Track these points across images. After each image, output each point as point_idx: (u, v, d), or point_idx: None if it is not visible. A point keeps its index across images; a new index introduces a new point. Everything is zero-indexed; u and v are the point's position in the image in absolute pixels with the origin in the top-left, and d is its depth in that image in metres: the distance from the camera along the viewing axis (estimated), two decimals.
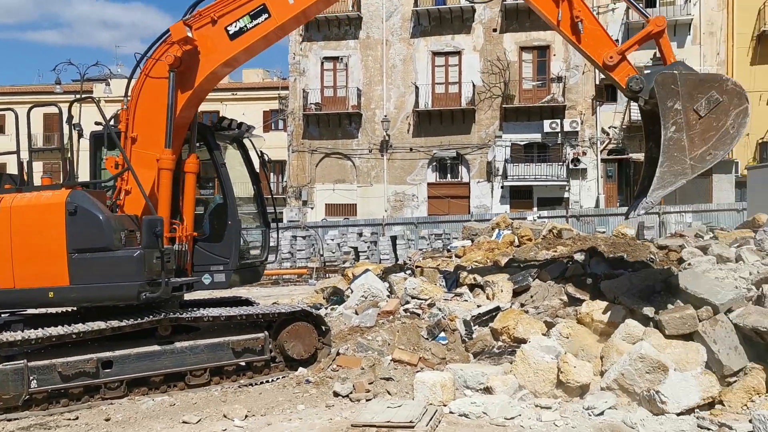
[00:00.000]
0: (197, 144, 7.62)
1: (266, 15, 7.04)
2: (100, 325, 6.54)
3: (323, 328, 7.63)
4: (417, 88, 31.92)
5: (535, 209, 29.51)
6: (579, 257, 8.90)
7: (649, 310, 7.01)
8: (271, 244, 8.64)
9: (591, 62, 7.45)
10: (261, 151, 8.40)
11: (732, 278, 7.61)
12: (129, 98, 7.21)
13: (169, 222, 7.05)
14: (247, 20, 7.03)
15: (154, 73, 7.05)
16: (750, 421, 5.23)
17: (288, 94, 34.12)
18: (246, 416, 6.04)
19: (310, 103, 32.81)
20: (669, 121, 6.44)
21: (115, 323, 6.59)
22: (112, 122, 7.46)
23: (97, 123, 7.40)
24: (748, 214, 15.33)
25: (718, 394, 5.99)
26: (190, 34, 6.89)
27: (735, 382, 6.12)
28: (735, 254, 8.52)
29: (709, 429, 5.40)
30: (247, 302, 8.38)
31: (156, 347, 6.82)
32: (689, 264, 8.32)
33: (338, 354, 7.37)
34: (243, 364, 7.25)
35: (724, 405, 5.95)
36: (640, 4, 29.83)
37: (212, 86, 7.63)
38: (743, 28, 29.31)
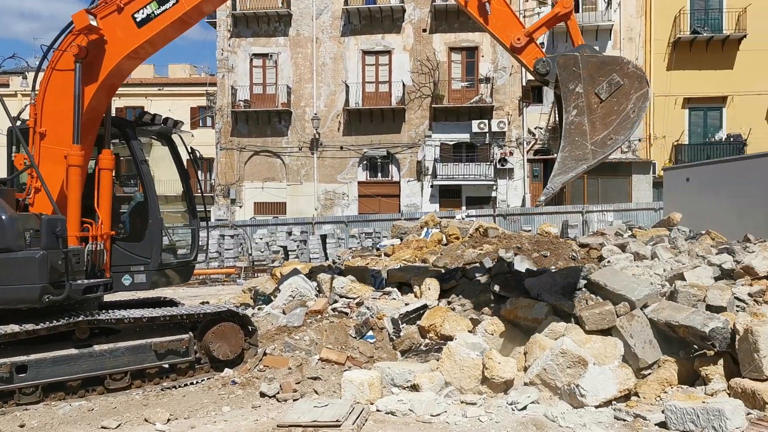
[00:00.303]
0: (119, 140, 7.39)
1: (174, 0, 6.87)
2: (14, 328, 6.24)
3: (250, 328, 7.52)
4: (347, 86, 31.88)
5: (463, 208, 29.94)
6: (504, 255, 9.07)
7: (570, 307, 7.23)
8: (201, 243, 8.43)
9: (500, 44, 7.18)
10: (191, 148, 8.15)
11: (648, 275, 7.93)
12: (37, 92, 6.90)
13: (78, 221, 6.76)
14: (154, 6, 6.83)
15: (61, 65, 6.75)
16: (662, 411, 5.45)
17: (216, 90, 33.50)
18: (168, 420, 5.89)
19: (239, 100, 32.31)
20: (570, 105, 6.24)
21: (30, 326, 6.30)
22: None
23: (15, 118, 7.07)
24: (664, 214, 15.99)
25: (634, 386, 6.22)
26: (94, 23, 6.65)
27: (649, 374, 6.38)
28: (651, 252, 8.87)
29: (624, 420, 5.59)
30: (172, 303, 8.18)
31: (73, 351, 6.56)
32: (608, 261, 8.61)
33: (265, 354, 7.28)
34: (166, 366, 7.07)
35: (639, 396, 6.19)
36: None
37: (123, 77, 7.34)
38: (660, 34, 30.53)
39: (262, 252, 24.52)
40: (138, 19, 6.80)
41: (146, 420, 5.86)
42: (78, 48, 6.60)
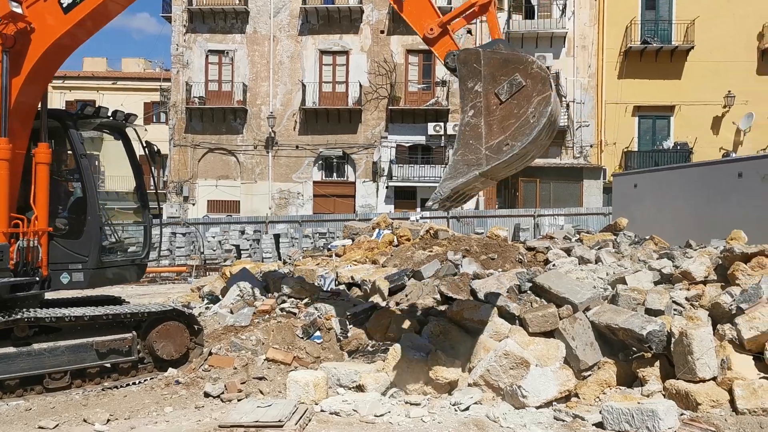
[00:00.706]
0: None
1: None
2: None
3: (195, 327, 7.44)
4: (304, 85, 31.77)
5: (418, 210, 30.10)
6: (453, 257, 9.17)
7: (515, 309, 7.34)
8: (153, 240, 8.23)
9: (417, 33, 6.60)
10: (147, 142, 7.92)
11: (591, 278, 8.11)
12: None
13: (6, 217, 6.57)
14: None
15: None
16: (600, 411, 5.59)
17: (170, 86, 33.01)
18: (108, 420, 5.79)
19: (194, 97, 31.90)
20: (468, 104, 5.61)
21: None
22: None
23: None
24: (613, 219, 16.33)
25: (574, 387, 6.35)
26: (19, 11, 6.47)
27: (590, 375, 6.51)
28: (595, 256, 9.07)
29: (564, 420, 5.71)
30: (117, 301, 8.03)
31: (12, 349, 6.40)
32: (554, 265, 8.77)
33: (210, 354, 7.22)
34: (108, 365, 6.95)
35: (579, 397, 6.31)
36: (519, 15, 31.23)
37: (53, 67, 7.04)
38: (612, 43, 31.23)
39: (214, 251, 24.24)
40: (64, 5, 6.60)
41: (85, 420, 5.75)
42: (4, 37, 6.42)
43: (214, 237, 24.92)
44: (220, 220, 27.71)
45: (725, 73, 30.17)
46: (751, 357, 5.98)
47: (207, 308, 9.29)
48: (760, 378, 5.75)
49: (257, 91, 32.24)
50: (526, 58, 5.48)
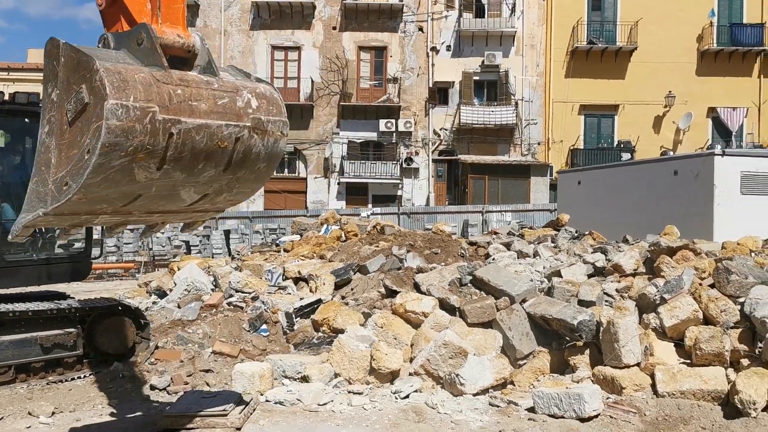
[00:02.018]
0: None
1: None
2: None
3: (141, 321, 7.50)
4: None
5: (369, 206, 30.36)
6: (397, 252, 9.41)
7: (456, 301, 7.62)
8: (95, 236, 8.14)
9: None
10: None
11: (529, 272, 8.44)
12: None
13: None
14: None
15: None
16: (532, 397, 5.89)
17: None
18: (53, 413, 5.85)
19: None
20: (45, 116, 3.91)
21: None
22: None
23: None
24: (557, 214, 16.82)
25: (510, 375, 6.66)
26: None
27: (525, 364, 6.83)
28: (533, 250, 9.42)
29: (498, 406, 6.00)
30: (62, 296, 8.01)
31: None
32: (493, 259, 9.09)
33: (157, 348, 7.31)
34: (52, 360, 6.96)
35: (514, 384, 6.62)
36: (470, 14, 31.68)
37: None
38: (559, 43, 31.98)
39: (163, 246, 24.05)
40: None
41: (30, 413, 5.79)
42: None
43: (162, 233, 24.65)
44: None
45: (666, 74, 31.22)
46: (673, 344, 6.37)
47: (154, 303, 9.34)
48: (679, 363, 6.14)
49: None
50: (93, 63, 3.53)
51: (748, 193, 11.96)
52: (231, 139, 3.86)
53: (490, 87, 32.40)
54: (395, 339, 7.36)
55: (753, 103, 31.68)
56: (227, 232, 24.60)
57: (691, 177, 12.62)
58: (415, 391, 6.39)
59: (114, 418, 5.75)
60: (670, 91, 31.26)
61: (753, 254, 7.96)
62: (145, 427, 5.43)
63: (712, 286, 6.71)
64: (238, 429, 5.26)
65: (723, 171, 11.94)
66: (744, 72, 31.81)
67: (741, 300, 6.35)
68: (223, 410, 5.34)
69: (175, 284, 9.43)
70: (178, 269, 10.20)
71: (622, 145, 31.15)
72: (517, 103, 31.69)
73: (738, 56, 31.63)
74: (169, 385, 6.61)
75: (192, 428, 5.19)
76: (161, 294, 9.76)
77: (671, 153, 28.80)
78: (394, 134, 31.73)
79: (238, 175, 4.06)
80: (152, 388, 6.60)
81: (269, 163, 4.20)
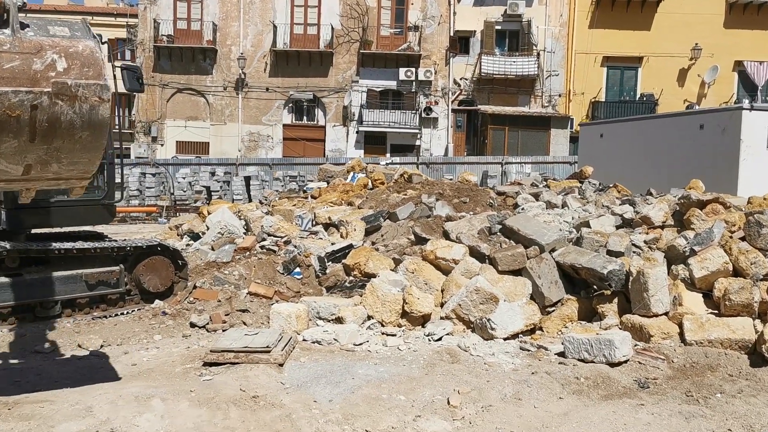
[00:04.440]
0: None
1: None
2: None
3: (180, 262, 7.72)
4: (275, 27, 31.36)
5: (388, 155, 30.36)
6: (426, 200, 9.53)
7: (486, 249, 7.76)
8: (118, 181, 7.84)
9: None
10: (125, 65, 7.02)
11: (557, 222, 8.55)
12: None
13: None
14: None
15: None
16: (562, 342, 6.07)
17: (137, 22, 32.29)
18: (102, 346, 6.12)
19: (162, 35, 31.30)
20: None
21: None
22: None
23: None
24: (579, 167, 16.81)
25: (539, 321, 6.84)
26: None
27: (553, 311, 7.00)
28: (561, 201, 9.51)
29: (529, 350, 6.19)
30: (101, 236, 8.24)
31: (3, 279, 6.63)
32: (522, 209, 9.20)
33: (195, 287, 7.53)
34: (96, 296, 7.22)
35: (543, 331, 6.80)
36: None
37: None
38: None
39: (184, 192, 24.31)
40: None
41: (79, 345, 6.06)
42: None
43: (184, 178, 24.94)
44: (190, 162, 27.64)
45: (693, 26, 30.60)
46: (701, 295, 6.49)
47: (188, 245, 9.56)
48: (707, 313, 6.28)
49: (227, 31, 31.75)
50: None
51: None
52: (24, 107, 3.41)
53: (512, 37, 31.94)
54: (426, 284, 7.54)
55: None
56: (248, 179, 24.79)
57: (717, 131, 12.55)
58: (447, 334, 6.58)
59: (160, 353, 6.00)
60: (696, 44, 30.70)
61: None
62: (192, 361, 5.66)
63: (742, 239, 6.80)
64: (281, 365, 5.49)
65: (750, 126, 11.87)
66: None
67: None
68: (267, 347, 5.56)
69: (208, 227, 9.62)
70: (209, 213, 10.39)
71: (645, 98, 30.79)
72: (539, 54, 31.28)
73: (767, 8, 30.89)
74: (208, 323, 6.85)
75: (237, 362, 5.42)
76: (194, 236, 9.97)
77: (696, 107, 28.48)
78: (414, 83, 31.49)
79: (55, 145, 3.63)
80: (192, 325, 6.84)
81: (93, 132, 3.67)
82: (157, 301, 7.42)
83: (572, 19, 31.48)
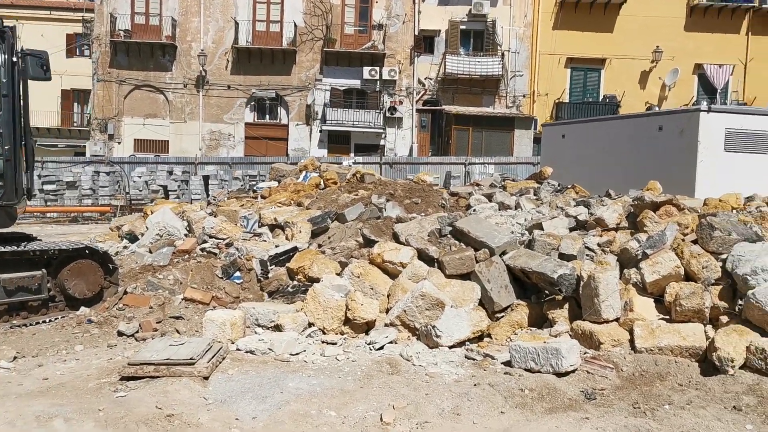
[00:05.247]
0: None
1: None
2: None
3: (110, 266, 7.26)
4: (237, 23, 30.78)
5: (352, 155, 30.01)
6: (376, 201, 9.20)
7: (435, 251, 7.45)
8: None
9: None
10: (22, 50, 6.41)
11: (510, 224, 8.28)
12: None
13: None
14: None
15: None
16: (509, 350, 5.78)
17: (93, 17, 31.42)
18: (15, 358, 5.65)
19: (119, 30, 30.49)
20: None
21: None
22: None
23: None
24: (541, 168, 16.66)
25: (487, 328, 6.54)
26: None
27: (502, 317, 6.72)
28: (515, 202, 9.25)
29: (474, 359, 5.88)
30: (27, 238, 7.73)
31: None
32: (474, 210, 8.91)
33: (126, 293, 7.09)
34: (15, 303, 6.73)
35: (491, 338, 6.51)
36: None
37: None
38: None
39: (140, 191, 23.64)
40: None
41: None
42: None
43: (140, 177, 24.26)
44: (147, 160, 26.92)
45: (655, 29, 30.82)
46: (653, 300, 6.27)
47: (125, 247, 9.08)
48: (659, 319, 6.04)
49: (187, 27, 31.08)
50: None
51: (732, 151, 11.84)
52: None
53: (477, 37, 31.82)
54: (372, 289, 7.21)
55: (739, 61, 31.45)
56: (206, 178, 24.22)
57: (675, 132, 12.45)
58: (391, 342, 6.26)
59: (78, 365, 5.56)
60: (657, 46, 30.91)
61: (735, 212, 7.84)
62: (110, 374, 5.24)
63: (694, 242, 6.60)
64: (206, 378, 5.10)
65: (708, 127, 11.77)
66: (732, 29, 31.48)
67: (723, 257, 6.25)
68: (191, 358, 5.16)
69: (147, 228, 9.16)
70: (152, 213, 9.92)
71: (607, 100, 30.91)
72: (503, 54, 31.20)
73: (727, 12, 31.24)
74: (137, 332, 6.42)
75: (157, 376, 5.02)
76: (132, 238, 9.49)
77: (656, 108, 28.64)
78: (378, 82, 31.19)
79: None
80: (120, 334, 6.40)
81: None
82: (83, 308, 6.95)
83: (536, 20, 31.48)
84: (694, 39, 31.22)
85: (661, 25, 30.81)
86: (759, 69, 31.26)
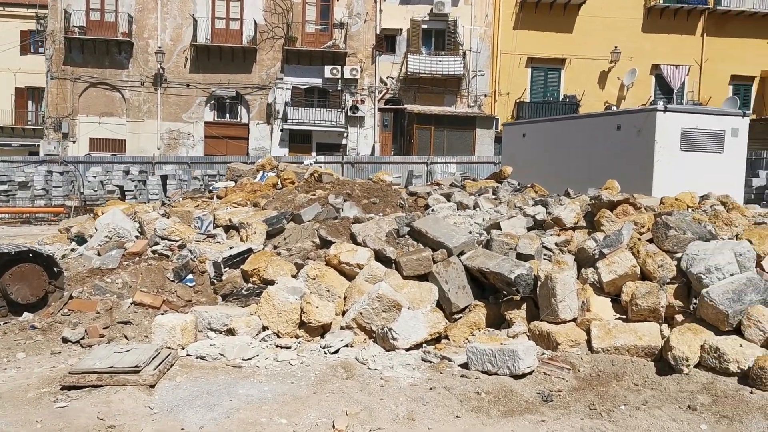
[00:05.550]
0: None
1: None
2: None
3: (55, 269, 6.98)
4: (195, 20, 30.28)
5: (313, 154, 29.78)
6: (333, 201, 9.05)
7: (392, 252, 7.33)
8: None
9: None
10: None
11: (468, 224, 8.21)
12: None
13: None
14: None
15: None
16: (466, 352, 5.69)
17: (47, 13, 30.59)
18: None
19: (73, 26, 29.74)
20: None
21: None
22: None
23: None
24: (501, 167, 16.68)
25: (445, 329, 6.45)
26: None
27: (460, 318, 6.63)
28: (473, 202, 9.19)
29: (431, 362, 5.79)
30: None
31: None
32: (432, 210, 8.83)
33: (71, 298, 6.82)
34: None
35: (449, 339, 6.42)
36: None
37: None
38: None
39: (95, 191, 23.08)
40: None
41: None
42: None
43: (95, 177, 23.69)
44: (103, 159, 26.28)
45: (613, 29, 31.23)
46: (609, 299, 6.25)
47: (72, 250, 8.77)
48: (615, 319, 6.03)
49: (144, 24, 30.47)
50: None
51: (687, 150, 11.99)
52: None
53: (438, 36, 31.84)
54: (328, 291, 7.06)
55: (695, 62, 32.04)
56: (164, 178, 23.76)
57: (633, 132, 12.57)
58: (346, 345, 6.12)
59: (18, 374, 5.31)
60: (616, 47, 31.32)
61: (690, 210, 7.90)
62: (51, 384, 5.01)
63: (650, 241, 6.60)
64: (152, 386, 4.90)
65: (664, 127, 11.91)
66: (688, 30, 32.06)
67: (678, 255, 6.26)
68: (136, 366, 4.96)
69: (96, 230, 8.86)
70: (102, 214, 9.61)
71: (567, 99, 31.22)
72: (464, 54, 31.28)
73: (683, 14, 31.80)
74: (83, 338, 6.16)
75: (100, 385, 4.81)
76: (81, 240, 9.17)
77: (615, 108, 29.00)
78: (340, 81, 31.00)
79: None
80: (64, 341, 6.14)
81: None
82: (26, 314, 6.65)
83: (497, 19, 31.63)
84: (651, 40, 31.71)
85: (619, 26, 31.24)
86: (714, 69, 31.91)
